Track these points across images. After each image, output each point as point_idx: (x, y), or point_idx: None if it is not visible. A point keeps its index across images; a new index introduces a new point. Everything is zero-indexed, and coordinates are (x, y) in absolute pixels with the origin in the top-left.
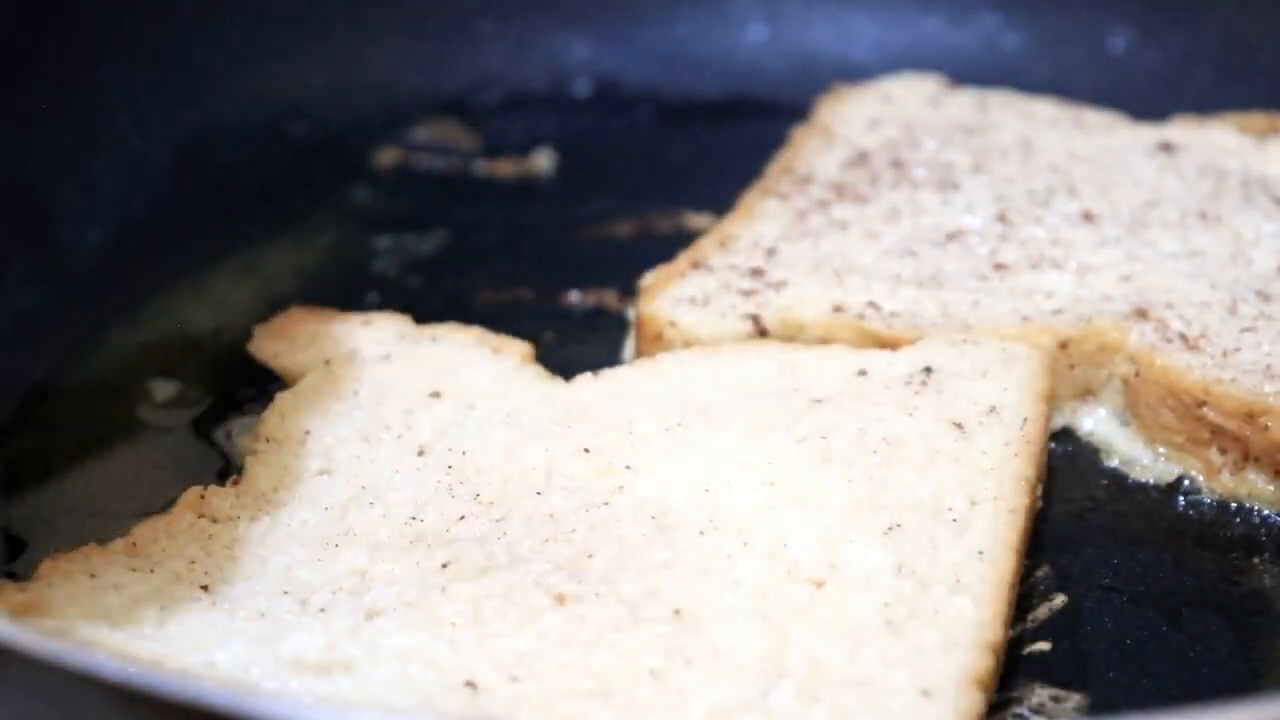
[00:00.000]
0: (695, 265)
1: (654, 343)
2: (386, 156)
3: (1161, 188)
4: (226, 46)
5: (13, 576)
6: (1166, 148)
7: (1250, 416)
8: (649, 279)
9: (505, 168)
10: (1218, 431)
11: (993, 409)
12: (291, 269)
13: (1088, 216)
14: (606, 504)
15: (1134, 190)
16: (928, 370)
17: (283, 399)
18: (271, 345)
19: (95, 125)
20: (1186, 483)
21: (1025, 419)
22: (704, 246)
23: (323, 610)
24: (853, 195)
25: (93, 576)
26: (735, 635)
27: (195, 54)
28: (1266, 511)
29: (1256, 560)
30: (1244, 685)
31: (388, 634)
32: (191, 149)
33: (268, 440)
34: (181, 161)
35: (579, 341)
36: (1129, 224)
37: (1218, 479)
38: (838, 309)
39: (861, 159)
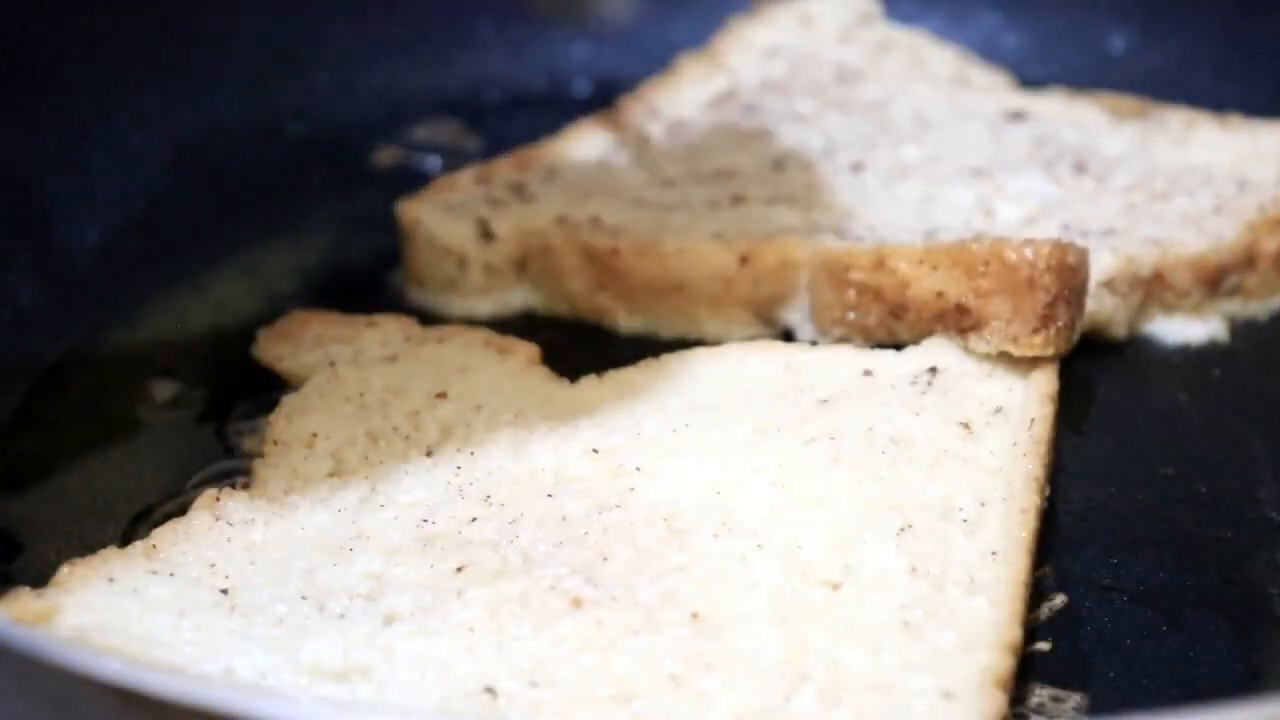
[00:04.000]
0: (480, 181)
1: (407, 243)
2: (386, 156)
3: (968, 145)
4: (226, 46)
5: (11, 579)
6: (1017, 116)
7: (880, 263)
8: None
9: None
10: (863, 291)
11: (999, 409)
12: (291, 269)
13: (856, 167)
14: (619, 506)
15: (944, 146)
16: (933, 370)
17: (289, 401)
18: (275, 348)
19: (95, 125)
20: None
21: (1033, 419)
22: (500, 166)
23: (341, 616)
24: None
25: (111, 581)
26: (754, 638)
27: (195, 54)
28: (1270, 514)
29: (1256, 560)
30: (1244, 685)
31: (406, 639)
32: (191, 148)
33: (275, 443)
34: (181, 161)
35: (578, 342)
36: (885, 173)
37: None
38: (561, 220)
39: (728, 98)
